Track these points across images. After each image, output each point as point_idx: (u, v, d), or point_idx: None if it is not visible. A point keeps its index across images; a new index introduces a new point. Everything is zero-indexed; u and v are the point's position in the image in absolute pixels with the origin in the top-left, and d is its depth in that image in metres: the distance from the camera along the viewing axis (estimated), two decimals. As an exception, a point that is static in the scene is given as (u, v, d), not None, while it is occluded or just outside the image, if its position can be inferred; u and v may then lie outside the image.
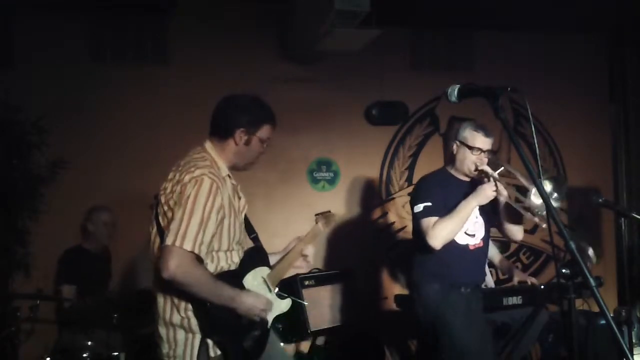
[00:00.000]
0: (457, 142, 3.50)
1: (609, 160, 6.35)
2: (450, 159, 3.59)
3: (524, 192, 3.43)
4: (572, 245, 1.74)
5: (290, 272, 3.16)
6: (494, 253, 4.72)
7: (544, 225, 3.41)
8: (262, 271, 2.74)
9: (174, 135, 4.93)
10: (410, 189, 5.34)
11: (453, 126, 5.75)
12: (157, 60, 5.18)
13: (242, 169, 2.76)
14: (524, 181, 3.46)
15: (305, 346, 5.04)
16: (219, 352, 2.48)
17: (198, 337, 2.47)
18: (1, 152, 4.56)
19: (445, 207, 3.40)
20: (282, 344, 4.59)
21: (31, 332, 4.45)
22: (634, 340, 5.05)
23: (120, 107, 5.03)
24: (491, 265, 4.69)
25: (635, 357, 4.92)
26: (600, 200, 4.09)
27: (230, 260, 2.59)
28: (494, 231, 3.85)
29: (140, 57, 5.14)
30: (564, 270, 2.58)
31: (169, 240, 2.35)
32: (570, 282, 2.60)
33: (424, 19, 5.53)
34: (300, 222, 5.14)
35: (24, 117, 4.58)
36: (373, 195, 5.72)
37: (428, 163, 5.64)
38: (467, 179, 3.54)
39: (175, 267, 2.32)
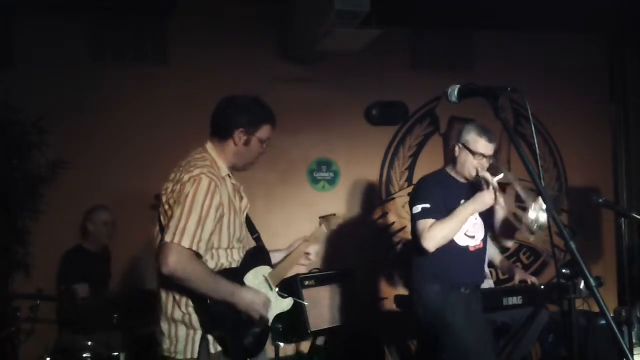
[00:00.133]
0: (460, 145, 3.48)
1: (609, 160, 6.35)
2: (451, 160, 3.58)
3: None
4: (572, 245, 1.74)
5: (292, 272, 3.17)
6: (494, 253, 4.72)
7: (532, 239, 3.46)
8: (264, 270, 2.76)
9: (174, 135, 4.94)
10: (411, 189, 5.34)
11: (454, 126, 5.76)
12: (157, 60, 5.18)
13: (242, 169, 2.78)
14: (521, 192, 3.46)
15: (305, 346, 5.04)
16: (219, 349, 2.50)
17: (199, 333, 2.50)
18: (1, 152, 4.56)
19: (443, 209, 3.39)
20: (282, 344, 4.61)
21: (31, 332, 4.44)
22: (634, 340, 5.05)
23: (120, 107, 5.03)
24: (491, 265, 4.69)
25: (635, 357, 4.92)
26: (600, 200, 4.09)
27: (231, 257, 2.62)
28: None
29: (140, 57, 5.14)
30: (564, 270, 2.58)
31: (167, 237, 2.40)
32: (570, 282, 2.60)
33: (424, 19, 5.53)
34: (300, 222, 5.16)
35: (24, 117, 4.58)
36: (373, 195, 5.72)
37: (428, 163, 5.65)
38: (466, 181, 3.54)
39: (174, 262, 2.37)
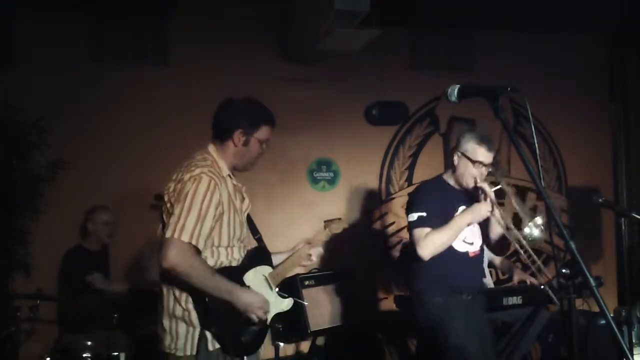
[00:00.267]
0: (459, 154, 3.46)
1: (609, 160, 6.35)
2: (449, 167, 3.57)
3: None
4: (572, 245, 1.74)
5: (292, 273, 3.22)
6: (494, 255, 4.72)
7: (522, 253, 3.49)
8: (264, 269, 2.82)
9: (174, 135, 4.94)
10: (411, 189, 5.35)
11: (454, 126, 5.76)
12: (157, 60, 5.18)
13: (242, 170, 2.83)
14: (517, 206, 3.46)
15: (305, 346, 5.04)
16: (218, 346, 2.55)
17: (198, 330, 2.55)
18: (1, 152, 4.56)
19: (440, 217, 3.39)
20: (282, 344, 4.60)
21: (31, 332, 4.45)
22: (634, 340, 5.05)
23: (120, 107, 5.03)
24: (491, 265, 4.69)
25: (635, 357, 4.92)
26: (600, 200, 4.09)
27: (231, 256, 2.67)
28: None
29: (140, 57, 5.14)
30: (564, 270, 2.58)
31: (168, 233, 2.47)
32: (570, 282, 2.60)
33: (424, 19, 5.53)
34: (300, 222, 5.18)
35: (24, 117, 4.58)
36: (373, 195, 5.72)
37: (428, 163, 5.65)
38: (463, 189, 3.54)
39: (173, 257, 2.44)
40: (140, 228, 4.68)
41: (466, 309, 3.42)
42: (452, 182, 3.54)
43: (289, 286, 4.23)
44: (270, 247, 3.02)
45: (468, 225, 3.42)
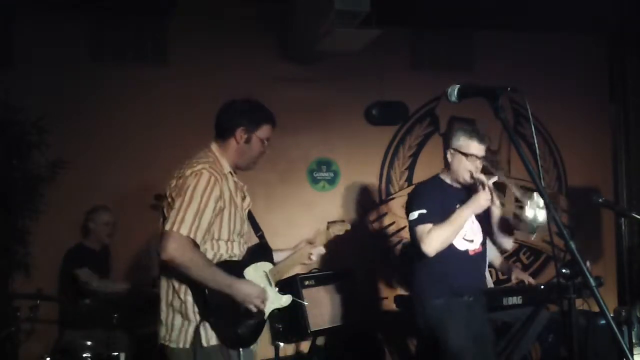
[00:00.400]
0: (451, 150, 3.48)
1: (609, 160, 6.35)
2: (445, 165, 3.58)
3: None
4: (572, 245, 1.75)
5: (293, 272, 3.26)
6: (494, 256, 4.72)
7: (533, 238, 3.45)
8: (265, 266, 2.88)
9: (174, 135, 4.94)
10: (411, 189, 5.34)
11: (454, 126, 5.75)
12: (157, 60, 5.18)
13: (244, 169, 2.88)
14: (516, 192, 3.45)
15: (305, 346, 5.04)
16: (211, 342, 2.59)
17: (193, 324, 2.60)
18: (1, 152, 4.56)
19: (440, 214, 3.39)
20: (282, 344, 4.61)
21: (31, 332, 4.45)
22: (634, 340, 5.05)
23: (120, 107, 5.03)
24: (491, 266, 4.69)
25: (635, 357, 4.92)
26: (600, 200, 4.09)
27: (231, 251, 2.73)
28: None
29: (140, 57, 5.14)
30: (564, 270, 2.58)
31: (167, 226, 2.53)
32: (570, 282, 2.60)
33: (424, 19, 5.53)
34: (300, 222, 5.18)
35: (24, 117, 4.58)
36: (373, 195, 5.72)
37: (428, 163, 5.65)
38: (461, 187, 3.54)
39: (172, 249, 2.49)
40: (140, 228, 4.69)
41: (467, 311, 3.41)
42: (448, 180, 3.54)
43: (289, 286, 4.24)
44: (271, 247, 3.04)
45: (470, 216, 3.41)
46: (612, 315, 2.93)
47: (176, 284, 2.63)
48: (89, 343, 4.06)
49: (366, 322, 5.04)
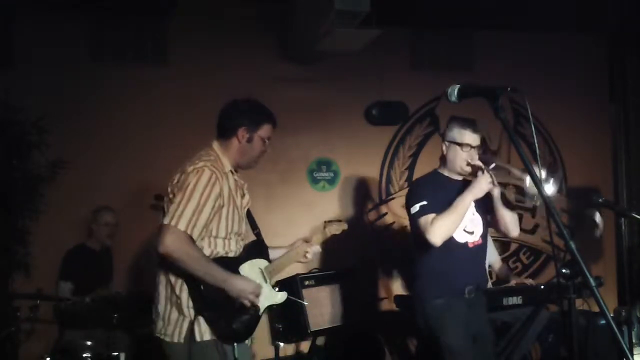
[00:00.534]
0: (446, 143, 3.49)
1: (609, 160, 6.35)
2: (441, 160, 3.58)
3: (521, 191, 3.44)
4: (572, 245, 1.74)
5: (288, 270, 3.28)
6: (494, 260, 4.72)
7: (538, 204, 3.40)
8: (260, 263, 2.93)
9: (174, 135, 4.94)
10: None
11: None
12: (157, 60, 5.18)
13: (245, 168, 2.94)
14: (517, 173, 3.45)
15: (305, 346, 5.04)
16: (205, 338, 2.64)
17: (187, 320, 2.66)
18: (1, 152, 4.56)
19: (441, 206, 3.38)
20: (282, 344, 4.61)
21: (31, 332, 4.45)
22: (634, 340, 5.05)
23: (120, 107, 5.03)
24: (490, 268, 4.69)
25: (635, 357, 4.92)
26: (600, 200, 4.09)
27: (228, 247, 2.78)
28: (493, 231, 3.84)
29: (140, 57, 5.14)
30: (564, 270, 2.58)
31: (166, 220, 2.60)
32: (570, 282, 2.60)
33: (424, 19, 5.53)
34: (300, 221, 5.18)
35: (24, 117, 4.58)
36: (373, 195, 5.72)
37: (428, 163, 5.61)
38: (460, 179, 3.53)
39: (169, 243, 2.55)
40: (140, 228, 4.69)
41: (467, 310, 3.41)
42: (446, 173, 3.54)
43: (289, 286, 4.24)
44: (270, 246, 3.06)
45: (472, 201, 3.39)
46: (612, 315, 2.93)
47: (173, 279, 2.68)
48: (89, 343, 4.06)
49: (366, 322, 5.04)
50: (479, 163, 3.38)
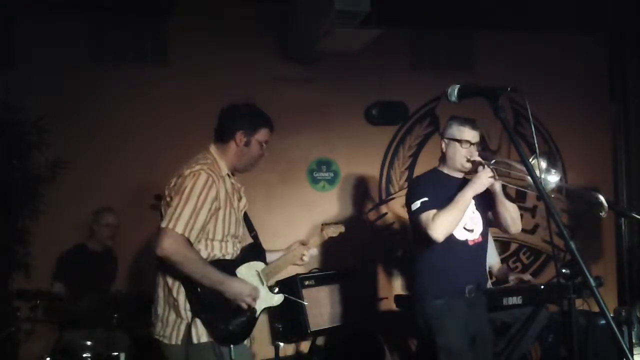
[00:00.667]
0: (445, 140, 3.49)
1: (609, 160, 6.35)
2: (441, 158, 3.58)
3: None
4: (572, 245, 1.74)
5: (286, 272, 3.30)
6: (494, 262, 4.72)
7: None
8: (257, 265, 2.94)
9: (174, 135, 4.95)
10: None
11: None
12: (157, 61, 5.18)
13: (242, 171, 2.95)
14: (517, 166, 3.43)
15: (305, 346, 5.04)
16: (202, 340, 2.65)
17: (185, 322, 2.68)
18: (1, 152, 4.56)
19: (441, 202, 3.37)
20: (282, 344, 4.61)
21: (31, 332, 4.44)
22: (634, 340, 5.06)
23: (120, 107, 5.03)
24: (490, 270, 4.69)
25: (635, 357, 4.93)
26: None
27: (225, 250, 2.80)
28: (495, 231, 3.84)
29: (140, 57, 5.14)
30: (564, 270, 2.58)
31: (163, 223, 2.62)
32: (570, 282, 2.60)
33: (424, 19, 5.53)
34: (300, 222, 5.19)
35: (24, 117, 4.58)
36: (373, 195, 5.72)
37: (428, 163, 5.60)
38: (460, 176, 3.52)
39: (167, 246, 2.57)
40: (140, 228, 4.69)
41: (467, 310, 3.40)
42: (446, 170, 3.54)
43: (289, 286, 4.24)
44: (271, 247, 3.08)
45: (473, 196, 3.38)
46: (612, 315, 2.93)
47: (170, 281, 2.70)
48: (89, 343, 4.05)
49: (366, 322, 5.04)
50: (479, 159, 3.38)
